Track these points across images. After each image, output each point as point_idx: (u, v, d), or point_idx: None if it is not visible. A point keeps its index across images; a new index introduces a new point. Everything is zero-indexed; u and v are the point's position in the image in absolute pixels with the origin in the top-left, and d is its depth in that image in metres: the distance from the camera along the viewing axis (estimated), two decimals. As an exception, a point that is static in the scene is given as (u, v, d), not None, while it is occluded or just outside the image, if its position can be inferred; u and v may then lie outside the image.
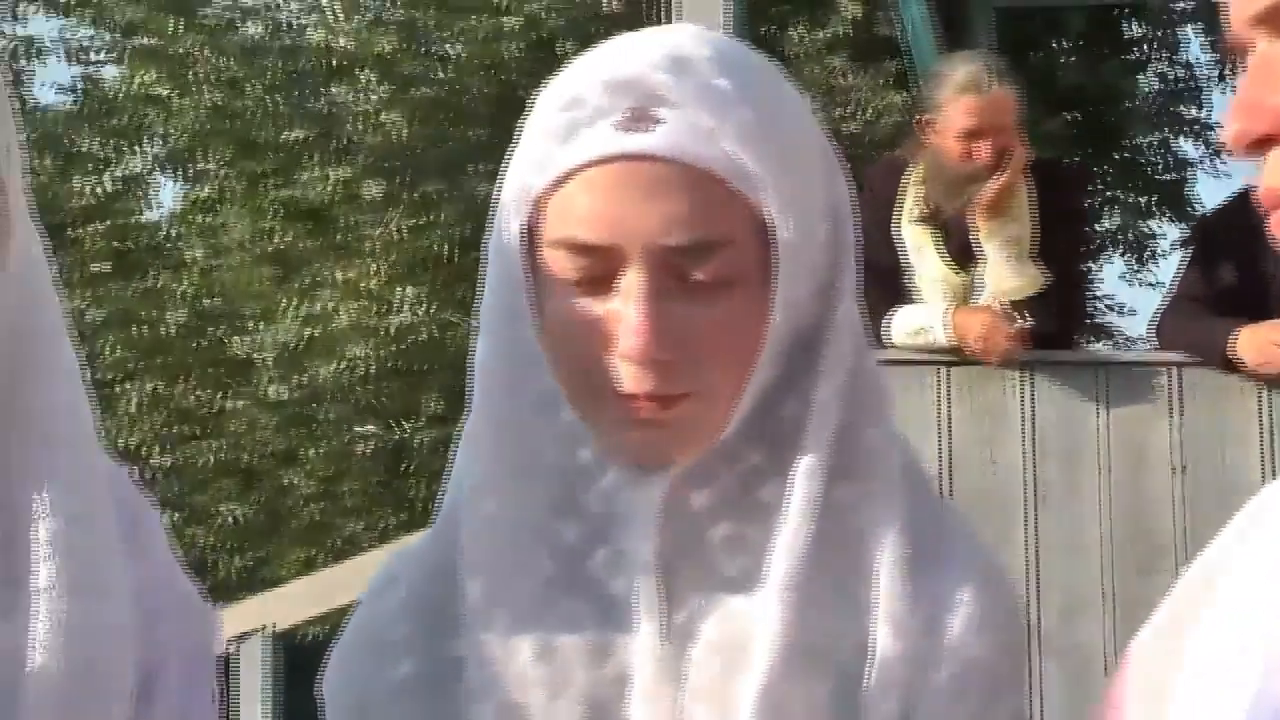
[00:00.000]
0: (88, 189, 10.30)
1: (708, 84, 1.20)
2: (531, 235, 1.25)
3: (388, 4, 9.98)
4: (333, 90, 10.11)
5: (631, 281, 1.22)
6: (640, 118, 1.22)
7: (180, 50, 10.11)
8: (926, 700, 1.22)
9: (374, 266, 9.94)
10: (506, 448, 1.32)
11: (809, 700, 1.23)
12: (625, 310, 1.22)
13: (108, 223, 10.38)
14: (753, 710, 1.21)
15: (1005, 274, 3.97)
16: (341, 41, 9.93)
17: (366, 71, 9.94)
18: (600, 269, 1.23)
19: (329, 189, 9.95)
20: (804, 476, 1.24)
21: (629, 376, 1.23)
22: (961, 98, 3.93)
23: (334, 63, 10.01)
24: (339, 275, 9.87)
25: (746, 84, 1.22)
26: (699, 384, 1.23)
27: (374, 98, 9.87)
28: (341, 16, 9.88)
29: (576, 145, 1.23)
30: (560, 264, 1.24)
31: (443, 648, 1.33)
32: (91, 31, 10.45)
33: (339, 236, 10.16)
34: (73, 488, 1.28)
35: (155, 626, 1.30)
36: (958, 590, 1.25)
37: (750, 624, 1.24)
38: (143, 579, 1.30)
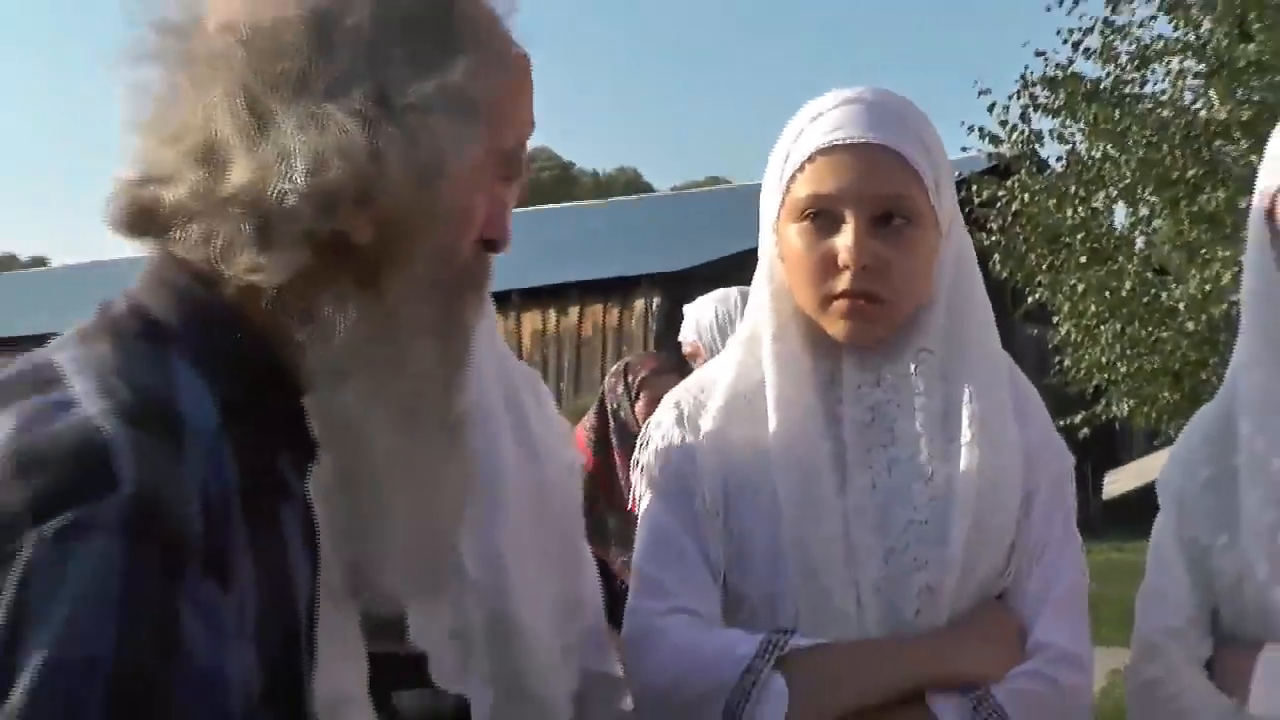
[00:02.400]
0: (1072, 214, 16.21)
1: None
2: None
3: (1248, 90, 15.13)
4: (1214, 145, 15.51)
5: None
6: None
7: (1120, 129, 15.45)
8: None
9: (1241, 247, 14.72)
10: (1264, 335, 1.83)
11: None
12: None
13: (1085, 232, 16.23)
14: None
15: None
16: (1218, 114, 15.31)
17: (1235, 132, 15.18)
18: None
19: (1216, 205, 15.12)
20: None
21: None
22: None
23: (1213, 128, 15.33)
24: (1221, 254, 14.65)
25: None
26: None
27: (1239, 150, 15.13)
28: (1217, 101, 15.31)
29: None
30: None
31: (1226, 460, 1.83)
32: (1069, 123, 16.45)
33: (1226, 230, 15.10)
34: (982, 381, 1.75)
35: (1031, 462, 1.75)
36: None
37: None
38: (1031, 435, 1.79)
